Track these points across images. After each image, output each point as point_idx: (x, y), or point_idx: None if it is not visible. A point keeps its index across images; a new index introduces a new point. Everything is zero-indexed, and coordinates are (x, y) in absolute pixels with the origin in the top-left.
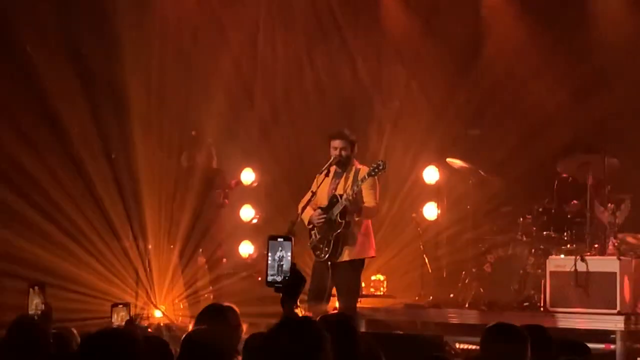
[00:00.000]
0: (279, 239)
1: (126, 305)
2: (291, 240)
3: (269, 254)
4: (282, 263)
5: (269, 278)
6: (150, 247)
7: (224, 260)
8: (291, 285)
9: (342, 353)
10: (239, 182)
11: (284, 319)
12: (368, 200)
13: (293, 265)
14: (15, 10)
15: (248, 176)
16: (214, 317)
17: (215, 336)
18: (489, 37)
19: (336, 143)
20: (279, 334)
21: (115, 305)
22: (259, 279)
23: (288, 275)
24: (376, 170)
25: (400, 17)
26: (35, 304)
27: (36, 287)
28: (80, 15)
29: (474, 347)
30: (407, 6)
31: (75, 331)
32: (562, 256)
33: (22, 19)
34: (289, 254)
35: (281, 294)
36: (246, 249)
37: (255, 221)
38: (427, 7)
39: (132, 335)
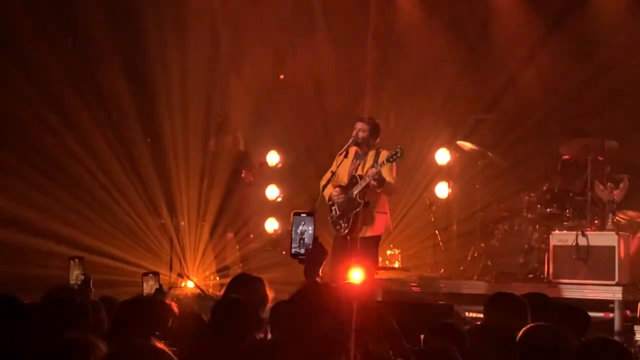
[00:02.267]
0: (302, 214)
1: (155, 274)
2: (313, 216)
3: (293, 228)
4: (304, 237)
5: (293, 250)
6: (183, 223)
7: (251, 235)
8: (313, 256)
9: (357, 318)
10: (264, 164)
11: (306, 285)
12: (387, 178)
13: (315, 238)
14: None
15: (273, 158)
16: (243, 286)
17: (243, 304)
18: (498, 28)
19: (358, 125)
20: (301, 298)
21: (145, 274)
22: (283, 252)
23: (310, 247)
24: (394, 157)
25: (418, 13)
26: (75, 275)
27: (76, 260)
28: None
29: (481, 315)
30: (423, 2)
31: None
32: (565, 232)
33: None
34: (311, 228)
35: (304, 265)
36: (271, 225)
37: (279, 200)
38: (446, 6)
39: (162, 304)
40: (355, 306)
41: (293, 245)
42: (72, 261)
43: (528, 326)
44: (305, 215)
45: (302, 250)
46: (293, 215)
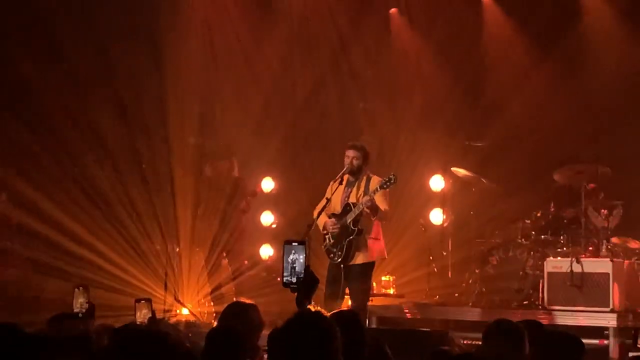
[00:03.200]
0: (293, 243)
1: (148, 300)
2: (304, 244)
3: (284, 257)
4: (295, 265)
5: (285, 279)
6: (178, 249)
7: (246, 262)
8: (305, 285)
9: (350, 345)
10: (260, 190)
11: (299, 313)
12: (381, 205)
13: (307, 267)
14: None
15: (268, 184)
16: (237, 314)
17: (236, 333)
18: (492, 60)
19: (350, 153)
20: (294, 326)
21: (138, 300)
22: (278, 279)
23: (302, 275)
24: (387, 183)
25: (409, 37)
26: (80, 303)
27: (81, 288)
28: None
29: (477, 342)
30: (415, 28)
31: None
32: (559, 258)
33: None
34: (302, 256)
35: (296, 294)
36: (266, 251)
37: (274, 226)
38: (436, 31)
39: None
40: (349, 334)
41: (284, 274)
42: (76, 289)
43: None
44: (296, 244)
45: (294, 279)
46: (284, 244)
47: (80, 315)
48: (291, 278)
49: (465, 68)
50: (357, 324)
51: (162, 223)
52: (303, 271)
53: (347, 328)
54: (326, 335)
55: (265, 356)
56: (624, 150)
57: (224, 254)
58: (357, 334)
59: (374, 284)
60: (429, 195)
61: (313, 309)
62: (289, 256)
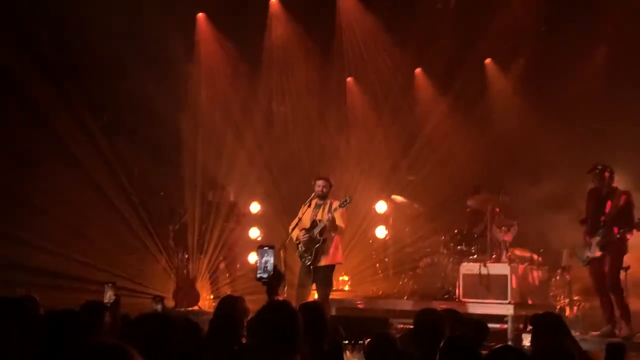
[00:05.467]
0: (265, 247)
1: (113, 284)
2: (274, 248)
3: (258, 258)
4: (267, 265)
5: (258, 275)
6: (186, 256)
7: (238, 265)
8: (274, 279)
9: (314, 328)
10: (249, 211)
11: (268, 302)
12: (339, 222)
13: (275, 266)
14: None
15: (255, 207)
16: (229, 303)
17: (230, 318)
18: (422, 115)
19: (320, 182)
20: (264, 311)
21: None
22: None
23: (271, 273)
24: (344, 203)
25: (360, 100)
26: (109, 295)
27: (109, 284)
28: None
29: (410, 326)
30: (364, 92)
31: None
32: (471, 263)
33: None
34: (272, 258)
35: (266, 287)
36: (253, 258)
37: (259, 239)
38: (381, 94)
39: (169, 318)
40: (313, 320)
41: (258, 272)
42: (106, 285)
43: (448, 336)
44: (267, 248)
45: (265, 275)
46: (258, 248)
47: (109, 305)
48: (263, 274)
49: (403, 122)
50: (320, 312)
51: (175, 238)
52: (272, 269)
53: (313, 317)
54: (290, 319)
55: None
56: (519, 182)
57: (222, 259)
58: (320, 321)
59: (334, 282)
60: (375, 216)
61: (281, 299)
62: (262, 258)
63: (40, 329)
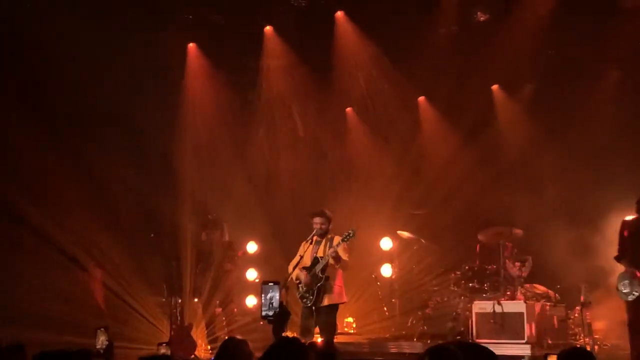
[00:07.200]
0: (269, 283)
1: (105, 328)
2: (279, 284)
3: (262, 295)
4: (272, 302)
5: (263, 313)
6: (180, 300)
7: (235, 309)
8: (280, 317)
9: None
10: (245, 252)
11: (279, 339)
12: (342, 256)
13: (281, 302)
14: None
15: (252, 247)
16: (232, 346)
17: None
18: (429, 148)
19: (317, 220)
20: (276, 348)
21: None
22: (261, 322)
23: (277, 310)
24: (348, 237)
25: (364, 133)
26: (101, 340)
27: (102, 329)
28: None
29: None
30: (367, 125)
31: None
32: (484, 301)
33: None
34: (277, 294)
35: (272, 325)
36: (251, 301)
37: (257, 280)
38: (383, 128)
39: None
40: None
41: (263, 309)
42: (98, 330)
43: None
44: (272, 284)
45: (271, 313)
46: (262, 284)
47: (101, 351)
48: (268, 312)
49: (408, 156)
50: (332, 352)
51: (167, 279)
52: (278, 306)
53: (323, 354)
54: (301, 355)
55: None
56: (532, 216)
57: (217, 303)
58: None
59: (338, 325)
60: (380, 253)
61: (290, 335)
62: (267, 294)
63: None
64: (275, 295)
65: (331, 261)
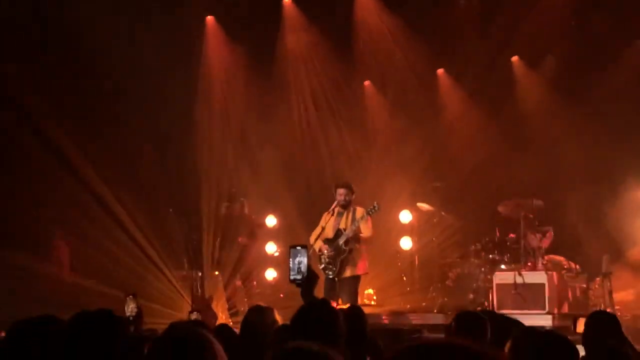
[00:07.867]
0: (297, 247)
1: (134, 295)
2: (306, 248)
3: (290, 259)
4: (300, 265)
5: (291, 277)
6: (200, 274)
7: (255, 283)
8: (308, 280)
9: (354, 334)
10: (264, 225)
11: (310, 301)
12: (365, 231)
13: (309, 266)
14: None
15: (271, 220)
16: (259, 312)
17: (259, 326)
18: (452, 123)
19: (341, 191)
20: (304, 311)
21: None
22: (281, 295)
23: (305, 274)
24: (372, 210)
25: (386, 109)
26: (130, 308)
27: (131, 295)
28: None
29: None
30: (389, 101)
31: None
32: (505, 273)
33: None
34: (305, 258)
35: (301, 289)
36: (271, 274)
37: (276, 254)
38: (408, 103)
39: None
40: (354, 324)
41: (292, 273)
42: (128, 297)
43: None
44: (299, 247)
45: (299, 277)
46: (290, 248)
47: (131, 318)
48: (297, 276)
49: (425, 126)
50: (361, 317)
51: (188, 254)
52: (306, 270)
53: (352, 319)
54: (332, 317)
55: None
56: (553, 186)
57: (238, 276)
58: (360, 325)
59: (359, 297)
60: (399, 226)
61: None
62: (295, 258)
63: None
64: (303, 259)
65: (354, 236)
